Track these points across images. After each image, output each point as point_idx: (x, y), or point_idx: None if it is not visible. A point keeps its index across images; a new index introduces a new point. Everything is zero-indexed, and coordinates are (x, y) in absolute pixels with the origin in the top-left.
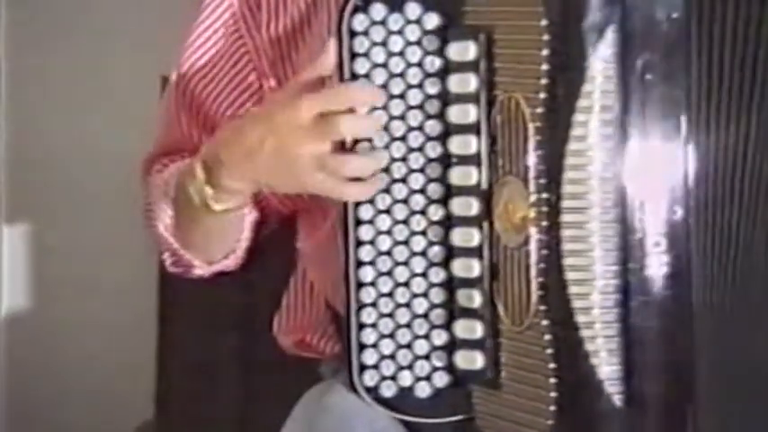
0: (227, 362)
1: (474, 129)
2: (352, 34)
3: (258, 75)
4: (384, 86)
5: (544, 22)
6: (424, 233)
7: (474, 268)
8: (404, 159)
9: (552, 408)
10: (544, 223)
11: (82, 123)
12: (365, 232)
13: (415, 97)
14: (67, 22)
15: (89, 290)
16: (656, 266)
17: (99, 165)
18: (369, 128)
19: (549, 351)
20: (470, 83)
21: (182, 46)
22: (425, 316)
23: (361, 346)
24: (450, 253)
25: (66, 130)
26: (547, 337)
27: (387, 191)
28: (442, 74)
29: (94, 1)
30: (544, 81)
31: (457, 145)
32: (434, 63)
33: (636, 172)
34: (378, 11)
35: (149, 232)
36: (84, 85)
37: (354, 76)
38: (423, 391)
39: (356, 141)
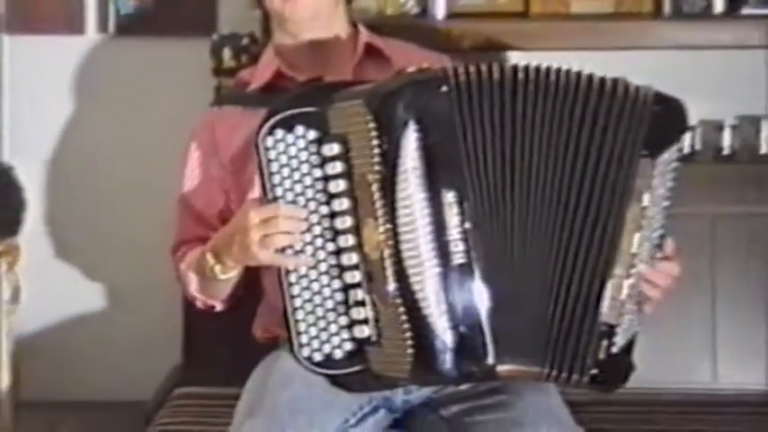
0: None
1: (345, 194)
2: (266, 148)
3: (226, 188)
4: (289, 177)
5: (372, 125)
6: (325, 260)
7: (356, 276)
8: (307, 217)
9: (410, 350)
10: (390, 242)
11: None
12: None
13: (308, 179)
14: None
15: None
16: (459, 258)
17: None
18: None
19: (404, 317)
20: (338, 167)
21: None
22: (334, 309)
23: (297, 332)
24: (342, 269)
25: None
26: (401, 309)
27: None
28: (322, 164)
29: None
30: (377, 159)
31: (337, 205)
32: (317, 158)
33: (440, 204)
34: (279, 132)
35: (185, 292)
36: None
37: (272, 174)
38: (338, 354)
39: None
